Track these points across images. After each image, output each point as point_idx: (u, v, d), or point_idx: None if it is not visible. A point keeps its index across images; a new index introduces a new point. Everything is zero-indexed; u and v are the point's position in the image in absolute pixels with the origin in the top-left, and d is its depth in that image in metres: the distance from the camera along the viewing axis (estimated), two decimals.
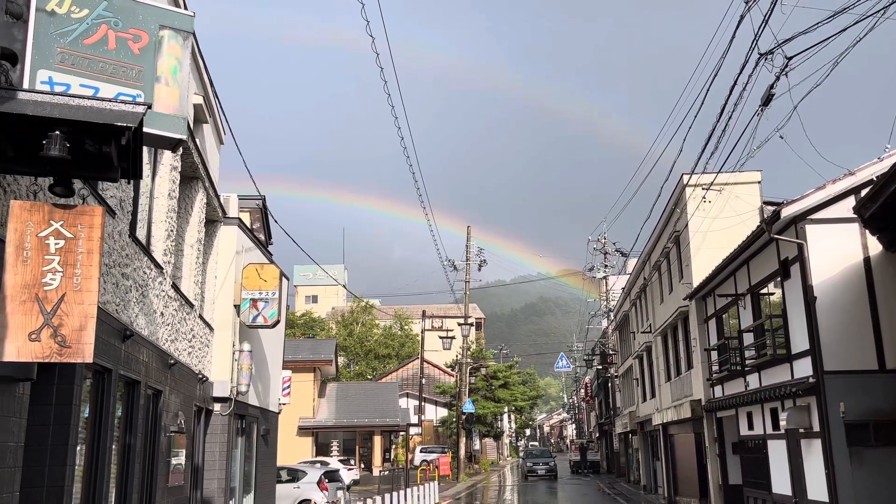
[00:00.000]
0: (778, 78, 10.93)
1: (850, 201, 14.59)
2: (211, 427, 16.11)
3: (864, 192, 13.85)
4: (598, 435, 61.66)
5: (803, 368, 14.97)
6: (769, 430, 17.25)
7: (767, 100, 11.37)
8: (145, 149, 10.02)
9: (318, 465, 30.77)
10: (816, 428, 14.46)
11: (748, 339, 18.24)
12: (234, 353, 16.75)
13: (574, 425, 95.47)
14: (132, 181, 10.03)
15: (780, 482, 16.48)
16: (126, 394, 10.21)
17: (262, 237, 21.86)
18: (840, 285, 14.46)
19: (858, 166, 14.97)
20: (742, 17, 11.17)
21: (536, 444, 58.08)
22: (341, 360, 61.42)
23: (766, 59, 10.94)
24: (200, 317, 15.04)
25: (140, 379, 10.46)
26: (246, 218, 20.54)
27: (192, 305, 13.95)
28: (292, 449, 33.99)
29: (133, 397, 10.40)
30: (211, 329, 16.11)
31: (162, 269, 11.69)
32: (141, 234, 10.95)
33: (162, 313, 11.81)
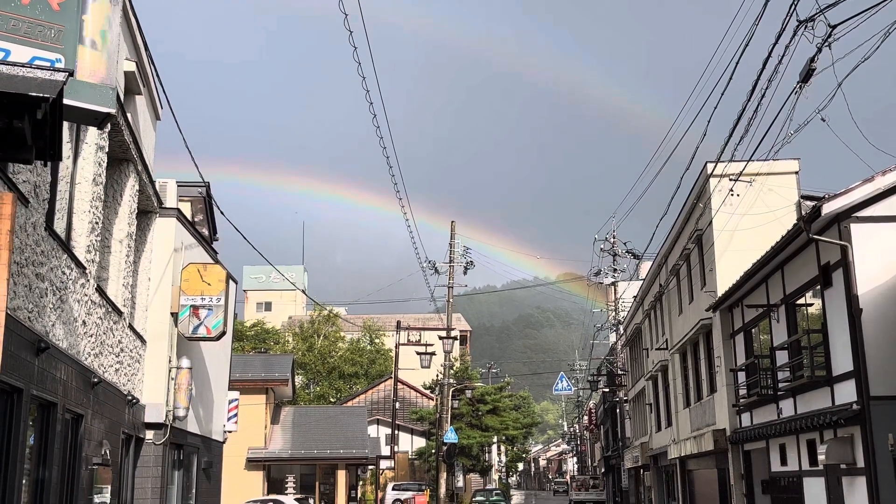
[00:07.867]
0: (820, 50, 10.95)
1: None
2: (142, 459, 16.08)
3: None
4: (603, 470, 61.95)
5: (846, 393, 15.08)
6: (805, 466, 17.40)
7: (807, 75, 11.64)
8: (66, 125, 9.86)
9: None
10: (861, 463, 14.59)
11: (782, 357, 18.41)
12: (170, 371, 16.76)
13: (576, 458, 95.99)
14: (49, 163, 9.89)
15: None
16: (39, 418, 10.13)
17: (205, 232, 21.91)
18: (890, 295, 14.59)
19: None
20: None
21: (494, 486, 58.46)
22: (299, 379, 61.41)
23: (805, 27, 10.99)
24: (130, 326, 15.02)
25: (57, 400, 10.40)
26: (186, 208, 20.56)
27: (120, 313, 13.93)
28: (240, 485, 33.99)
29: (48, 422, 10.31)
30: (143, 341, 16.08)
31: (85, 268, 11.64)
32: (60, 226, 10.85)
33: (84, 322, 11.77)
